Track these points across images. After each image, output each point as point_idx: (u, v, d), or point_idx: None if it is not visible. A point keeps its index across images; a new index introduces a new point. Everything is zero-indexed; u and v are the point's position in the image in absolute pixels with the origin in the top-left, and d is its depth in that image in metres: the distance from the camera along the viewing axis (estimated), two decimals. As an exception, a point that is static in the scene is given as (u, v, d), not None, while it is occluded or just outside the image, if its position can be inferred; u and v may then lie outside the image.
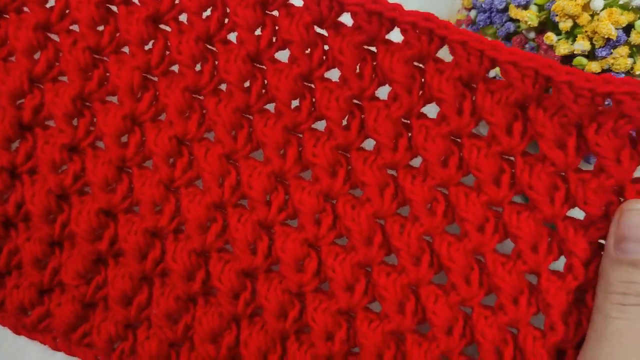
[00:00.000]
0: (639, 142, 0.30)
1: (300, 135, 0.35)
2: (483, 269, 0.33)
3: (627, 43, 0.34)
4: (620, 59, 0.34)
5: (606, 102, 0.29)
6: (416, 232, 0.33)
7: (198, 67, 0.35)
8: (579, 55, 0.35)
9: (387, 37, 0.32)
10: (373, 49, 0.33)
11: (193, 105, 0.35)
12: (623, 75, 0.35)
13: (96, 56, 0.36)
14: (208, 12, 0.34)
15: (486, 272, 0.33)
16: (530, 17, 0.36)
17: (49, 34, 0.36)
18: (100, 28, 0.35)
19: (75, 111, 0.35)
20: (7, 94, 0.35)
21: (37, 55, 0.36)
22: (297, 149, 0.34)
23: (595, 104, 0.29)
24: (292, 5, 0.33)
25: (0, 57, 0.36)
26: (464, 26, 0.41)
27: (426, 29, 0.30)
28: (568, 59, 0.36)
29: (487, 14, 0.39)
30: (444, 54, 0.32)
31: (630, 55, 0.34)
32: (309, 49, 0.33)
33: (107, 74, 0.35)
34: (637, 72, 0.34)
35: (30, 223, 0.37)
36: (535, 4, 0.37)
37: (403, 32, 0.31)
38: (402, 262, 0.33)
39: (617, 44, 0.34)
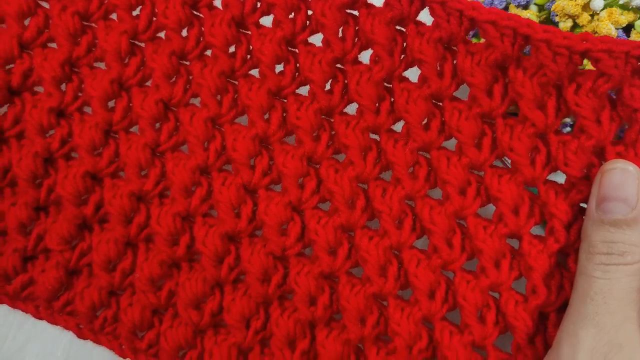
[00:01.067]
0: (618, 103, 0.30)
1: (285, 100, 0.35)
2: (465, 233, 0.33)
3: (627, 43, 0.35)
4: (621, 59, 0.34)
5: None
6: (398, 195, 0.33)
7: (184, 33, 0.35)
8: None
9: (369, 0, 0.33)
10: (356, 12, 0.33)
11: (179, 70, 0.35)
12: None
13: (85, 23, 0.36)
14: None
15: (468, 235, 0.33)
16: (530, 17, 0.36)
17: (39, 1, 0.37)
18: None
19: (64, 76, 0.36)
20: None
21: (27, 22, 0.36)
22: (281, 113, 0.35)
23: (574, 62, 0.29)
24: None
25: None
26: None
27: None
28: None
29: (487, 15, 0.39)
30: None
31: (631, 55, 0.35)
32: (293, 13, 0.34)
33: (96, 41, 0.36)
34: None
35: (16, 188, 0.37)
36: (535, 4, 0.37)
37: (384, -7, 0.31)
38: (385, 225, 0.33)
39: (617, 44, 0.35)
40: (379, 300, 0.34)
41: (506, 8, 0.38)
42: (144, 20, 0.35)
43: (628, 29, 0.35)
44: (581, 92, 0.30)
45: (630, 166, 0.29)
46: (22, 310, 0.39)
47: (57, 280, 0.37)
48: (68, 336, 0.39)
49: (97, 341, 0.37)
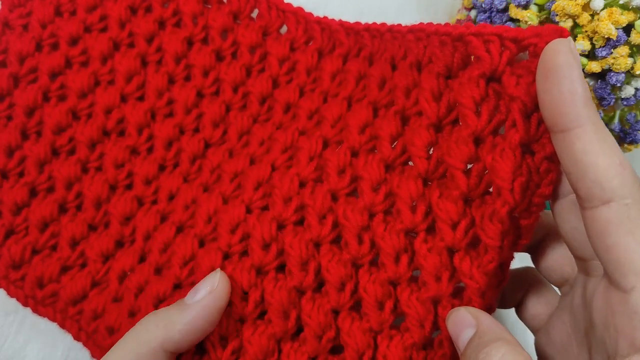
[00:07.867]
0: (502, 95, 0.27)
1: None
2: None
3: (627, 43, 0.35)
4: (620, 58, 0.35)
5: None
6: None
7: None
8: (579, 55, 0.36)
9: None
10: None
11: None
12: (623, 75, 0.35)
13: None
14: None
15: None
16: (530, 17, 0.36)
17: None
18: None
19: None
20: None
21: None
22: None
23: (459, 51, 0.28)
24: None
25: None
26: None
27: None
28: (568, 58, 0.36)
29: (487, 14, 0.39)
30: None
31: (630, 55, 0.35)
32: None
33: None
34: (637, 72, 0.35)
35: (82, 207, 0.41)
36: (536, 4, 0.37)
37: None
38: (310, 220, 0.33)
39: (617, 43, 0.35)
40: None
41: (506, 8, 0.38)
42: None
43: (628, 28, 0.35)
44: (463, 79, 0.28)
45: (455, 311, 0.27)
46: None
47: (83, 288, 0.39)
48: (68, 337, 0.39)
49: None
